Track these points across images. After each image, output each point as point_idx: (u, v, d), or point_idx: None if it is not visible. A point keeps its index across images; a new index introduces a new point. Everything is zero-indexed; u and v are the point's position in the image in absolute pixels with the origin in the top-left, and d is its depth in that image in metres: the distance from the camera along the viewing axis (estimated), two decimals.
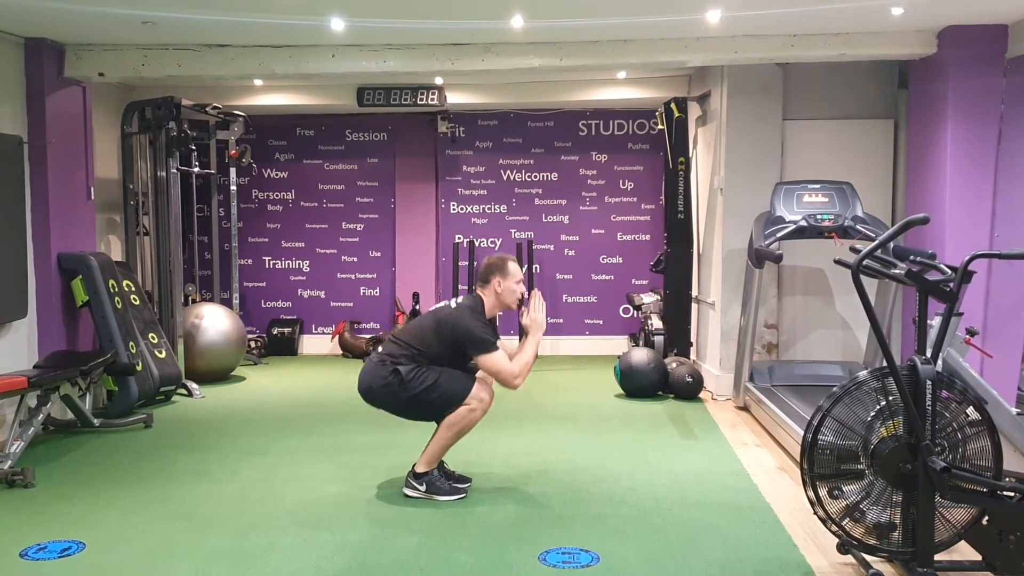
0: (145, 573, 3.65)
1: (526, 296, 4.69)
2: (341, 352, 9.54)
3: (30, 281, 6.27)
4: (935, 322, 3.63)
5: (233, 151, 8.96)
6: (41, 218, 6.33)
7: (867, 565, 3.49)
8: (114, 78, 6.74)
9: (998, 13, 5.58)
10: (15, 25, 5.98)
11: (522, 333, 4.65)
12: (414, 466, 4.61)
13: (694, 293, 8.02)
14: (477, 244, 9.45)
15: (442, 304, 4.75)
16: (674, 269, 7.94)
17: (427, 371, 4.46)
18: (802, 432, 3.65)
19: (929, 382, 3.38)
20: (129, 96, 8.16)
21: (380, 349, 4.67)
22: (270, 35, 6.19)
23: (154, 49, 6.42)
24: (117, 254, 8.00)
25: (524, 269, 8.96)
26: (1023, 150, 5.80)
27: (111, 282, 6.70)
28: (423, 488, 4.55)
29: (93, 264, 6.57)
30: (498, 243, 9.59)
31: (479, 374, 4.58)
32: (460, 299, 4.70)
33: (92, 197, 6.89)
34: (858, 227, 6.03)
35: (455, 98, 8.72)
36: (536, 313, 4.57)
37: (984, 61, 5.80)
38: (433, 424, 4.63)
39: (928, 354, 3.51)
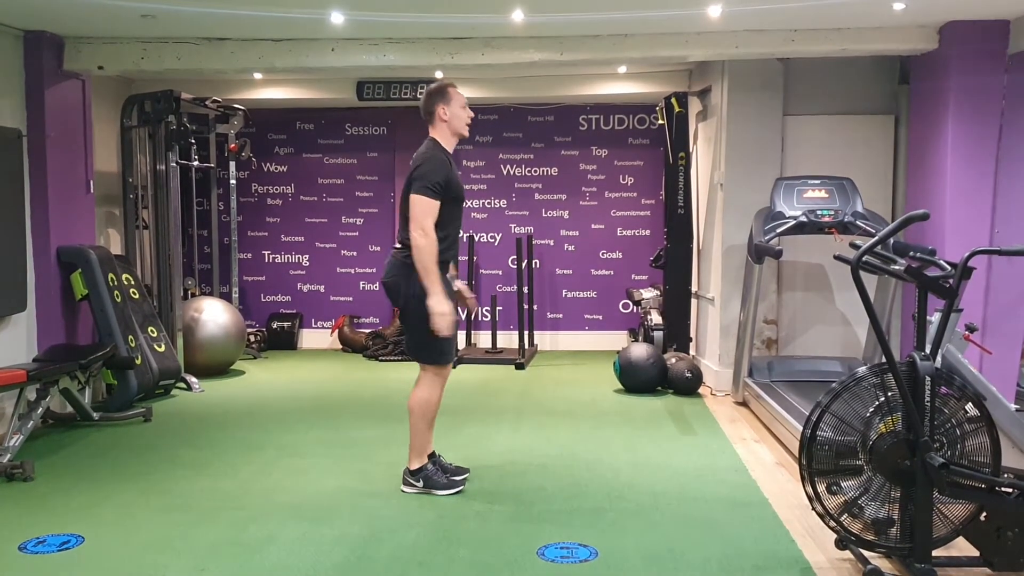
0: (144, 566, 3.65)
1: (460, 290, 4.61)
2: (341, 346, 9.54)
3: (29, 275, 6.27)
4: (934, 318, 3.62)
5: (233, 145, 8.95)
6: (40, 212, 6.33)
7: (865, 561, 3.49)
8: (113, 71, 6.72)
9: (1000, 9, 5.57)
10: (14, 18, 5.97)
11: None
12: (407, 464, 4.61)
13: (694, 288, 8.01)
14: (477, 239, 9.44)
15: None
16: (674, 264, 7.94)
17: (423, 309, 4.33)
18: (801, 428, 3.65)
19: (928, 378, 3.38)
20: (128, 89, 8.15)
21: (398, 241, 4.53)
22: (270, 29, 6.18)
23: (153, 42, 6.41)
24: (116, 248, 8.00)
25: (524, 264, 9.03)
26: (1023, 146, 5.80)
27: (110, 276, 6.69)
28: (420, 484, 4.55)
29: (92, 258, 6.56)
30: (498, 238, 9.58)
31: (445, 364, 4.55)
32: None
33: (91, 190, 6.89)
34: (858, 223, 6.02)
35: None
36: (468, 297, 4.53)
37: (985, 57, 5.79)
38: None
39: (927, 350, 3.51)
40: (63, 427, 6.07)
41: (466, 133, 4.63)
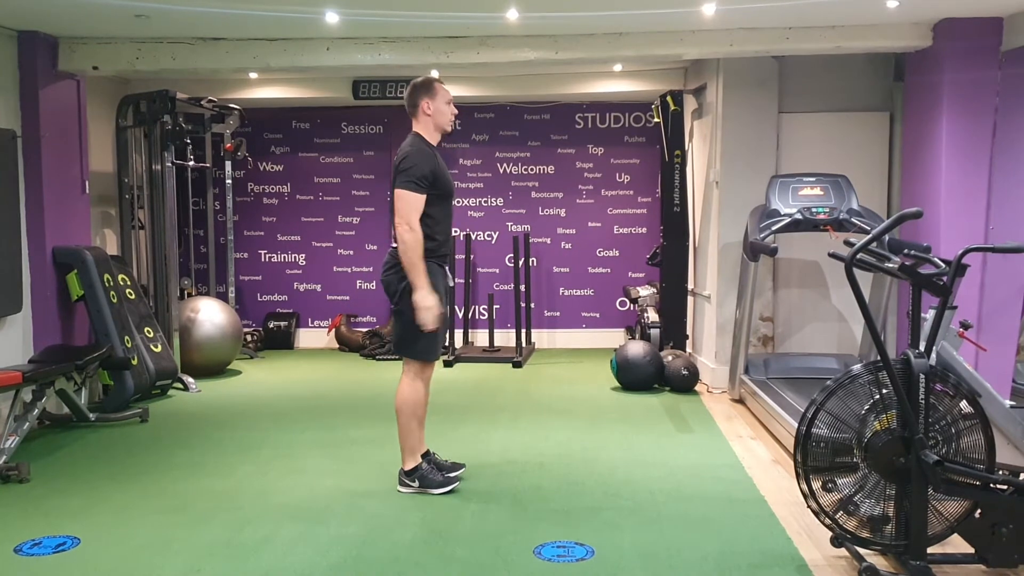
0: (140, 568, 3.65)
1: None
2: (338, 346, 9.54)
3: (25, 276, 6.27)
4: (929, 315, 3.63)
5: (228, 144, 8.94)
6: (35, 212, 6.32)
7: (860, 558, 3.50)
8: (108, 71, 6.71)
9: (993, 6, 5.58)
10: (8, 18, 5.96)
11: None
12: (402, 465, 4.60)
13: (690, 286, 8.02)
14: (474, 237, 9.44)
15: None
16: (670, 262, 7.94)
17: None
18: (796, 425, 3.65)
19: (923, 375, 3.38)
20: (124, 89, 8.14)
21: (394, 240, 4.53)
22: (265, 28, 6.18)
23: (148, 42, 6.41)
24: (112, 248, 7.98)
25: (521, 262, 9.03)
26: (1018, 143, 5.80)
27: (106, 276, 6.69)
28: (416, 484, 4.54)
29: (88, 258, 6.56)
30: (495, 236, 9.58)
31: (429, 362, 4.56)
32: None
33: (87, 191, 6.88)
34: (853, 220, 6.03)
35: (451, 90, 8.59)
36: (430, 307, 4.32)
37: (979, 54, 5.79)
38: None
39: (922, 347, 3.52)
40: (59, 428, 6.07)
41: (449, 128, 4.62)
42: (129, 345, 6.69)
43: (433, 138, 4.54)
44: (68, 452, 5.51)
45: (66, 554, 3.80)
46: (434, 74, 7.75)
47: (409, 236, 4.28)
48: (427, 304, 4.29)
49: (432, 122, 4.52)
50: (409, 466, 4.56)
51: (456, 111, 4.66)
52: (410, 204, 4.30)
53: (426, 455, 4.67)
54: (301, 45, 6.42)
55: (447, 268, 4.63)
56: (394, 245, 4.50)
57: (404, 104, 4.63)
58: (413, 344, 4.45)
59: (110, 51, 6.45)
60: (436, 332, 4.43)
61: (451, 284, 4.63)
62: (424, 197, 4.34)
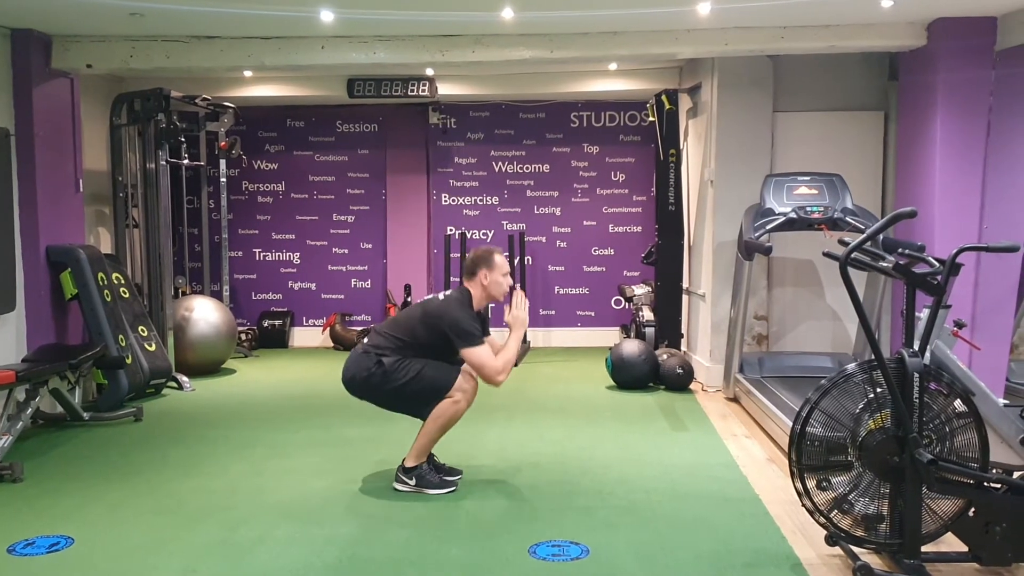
0: (134, 567, 3.64)
1: (512, 289, 4.70)
2: (332, 344, 9.53)
3: (18, 274, 6.25)
4: (923, 314, 3.63)
5: (223, 143, 8.92)
6: (29, 211, 6.31)
7: (855, 557, 3.50)
8: (102, 70, 6.69)
9: (987, 6, 5.59)
10: (1, 16, 5.95)
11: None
12: (403, 460, 4.60)
13: (685, 285, 8.03)
14: (469, 236, 9.43)
15: (431, 296, 4.76)
16: (665, 261, 7.95)
17: (411, 362, 4.46)
18: (791, 424, 3.66)
19: (917, 374, 3.39)
20: (118, 88, 8.12)
21: (366, 340, 4.67)
22: (259, 27, 6.16)
23: (142, 41, 6.39)
24: (106, 247, 7.97)
25: (516, 261, 9.02)
26: (1012, 142, 5.82)
27: (100, 275, 6.67)
28: (413, 482, 4.55)
29: (82, 257, 6.54)
30: (490, 235, 9.58)
31: (464, 365, 4.59)
32: (448, 292, 4.71)
33: (81, 189, 6.86)
34: (848, 219, 6.04)
35: (446, 89, 8.70)
36: (518, 311, 4.56)
37: (973, 53, 5.80)
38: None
39: (916, 346, 3.53)
40: (53, 427, 6.05)
41: (501, 300, 4.74)
42: (123, 344, 6.68)
43: (478, 303, 4.62)
44: (62, 451, 5.50)
45: (60, 554, 3.79)
46: (428, 71, 7.75)
47: (504, 376, 4.45)
48: (525, 317, 4.56)
49: (485, 292, 4.62)
50: (411, 463, 4.57)
51: (511, 283, 4.74)
52: (484, 361, 4.41)
53: (428, 456, 4.67)
54: (296, 43, 6.41)
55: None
56: (364, 343, 4.64)
57: (463, 266, 4.77)
58: (422, 397, 4.50)
59: (104, 49, 6.43)
60: (428, 369, 4.48)
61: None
62: (485, 341, 4.49)
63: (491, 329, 8.30)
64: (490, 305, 4.79)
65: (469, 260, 4.69)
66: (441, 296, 4.67)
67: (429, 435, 4.54)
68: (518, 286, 4.80)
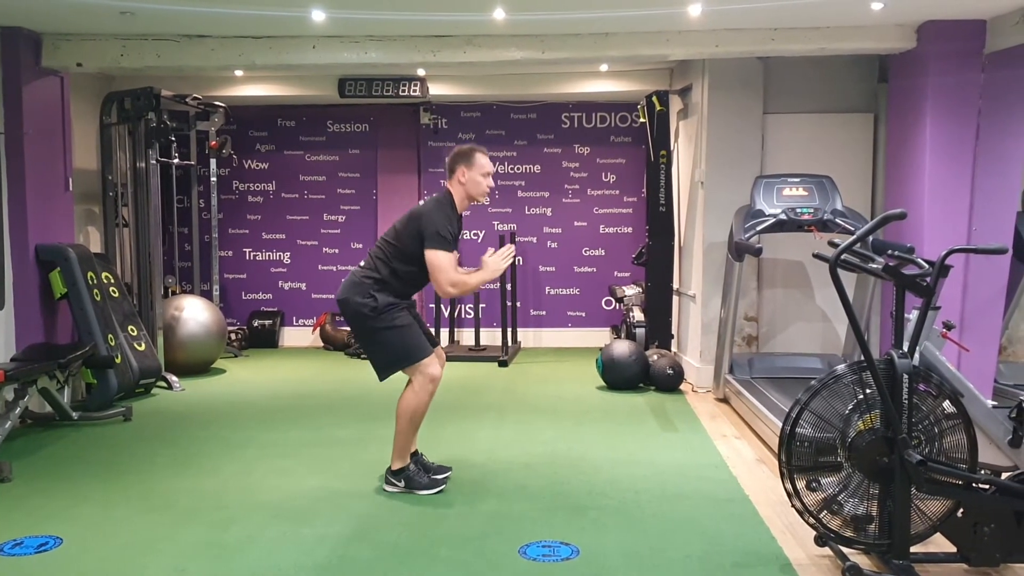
0: (124, 567, 3.63)
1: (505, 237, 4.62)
2: (323, 344, 9.52)
3: (7, 273, 6.22)
4: (912, 316, 3.65)
5: (213, 142, 8.91)
6: (18, 210, 6.28)
7: (844, 557, 3.51)
8: (92, 68, 6.66)
9: (976, 8, 5.61)
10: None
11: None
12: (390, 464, 4.60)
13: (675, 285, 8.04)
14: (460, 236, 9.41)
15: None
16: (656, 262, 7.96)
17: (400, 313, 4.44)
18: (781, 424, 3.67)
19: (906, 376, 3.41)
20: (108, 86, 8.09)
21: (363, 264, 4.60)
22: (250, 26, 6.15)
23: (133, 39, 6.37)
24: (96, 246, 7.94)
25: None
26: (1001, 145, 5.85)
27: (89, 274, 6.65)
28: (402, 484, 4.54)
29: (71, 256, 6.52)
30: (481, 235, 9.58)
31: (438, 349, 4.61)
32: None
33: (70, 188, 6.84)
34: (837, 221, 6.07)
35: (437, 89, 8.70)
36: (499, 260, 4.52)
37: (963, 56, 5.83)
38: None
39: (905, 348, 3.54)
40: (42, 427, 6.03)
41: (482, 200, 4.71)
42: (112, 343, 6.66)
43: (461, 204, 4.60)
44: (51, 451, 5.47)
45: (48, 554, 3.77)
46: (420, 72, 7.75)
47: (458, 291, 4.49)
48: (499, 267, 4.51)
49: (464, 190, 4.58)
50: (397, 466, 4.56)
51: (492, 184, 4.70)
52: (443, 266, 4.40)
53: (414, 455, 4.67)
54: (287, 43, 6.40)
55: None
56: (361, 266, 4.58)
57: (447, 165, 4.69)
58: (398, 356, 4.46)
59: (94, 48, 6.41)
60: (412, 331, 4.46)
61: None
62: (455, 251, 4.47)
63: (481, 329, 8.29)
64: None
65: (450, 157, 4.64)
66: (423, 200, 4.62)
67: (402, 433, 4.52)
68: (512, 246, 4.76)
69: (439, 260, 4.39)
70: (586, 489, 4.62)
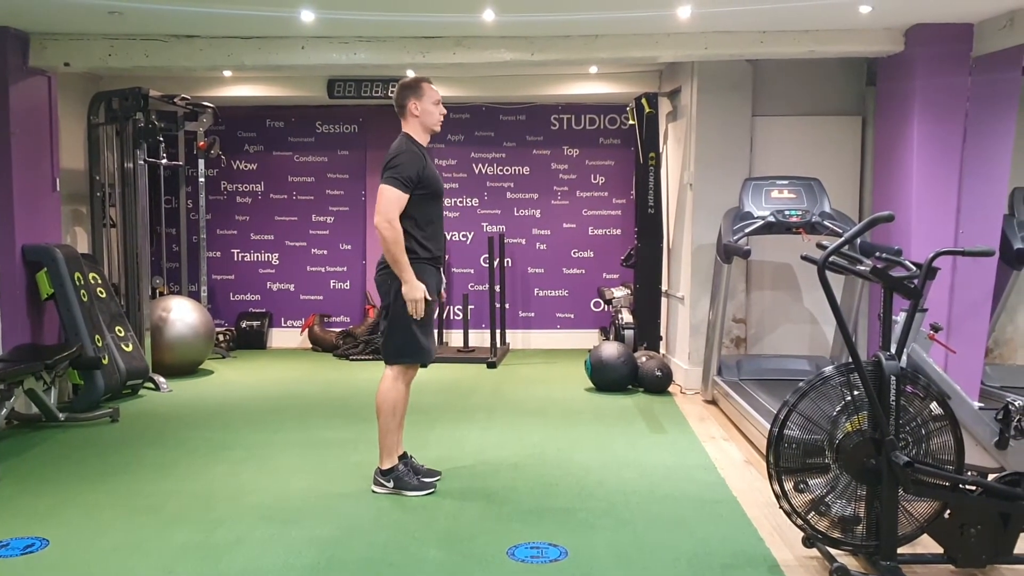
0: (111, 569, 3.62)
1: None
2: (311, 346, 9.49)
3: None
4: (900, 318, 3.67)
5: (202, 142, 8.88)
6: (5, 210, 6.25)
7: (832, 558, 3.52)
8: (80, 68, 6.64)
9: (964, 12, 5.65)
10: None
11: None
12: (379, 464, 4.59)
13: (664, 287, 8.06)
14: (449, 237, 9.42)
15: None
16: (644, 263, 7.98)
17: (427, 309, 4.43)
18: (769, 426, 3.68)
19: (894, 377, 3.42)
20: (96, 86, 8.05)
21: None
22: (239, 26, 6.13)
23: (121, 39, 6.34)
24: (83, 246, 7.89)
25: (496, 263, 9.02)
26: (988, 148, 5.88)
27: (77, 275, 6.62)
28: (390, 484, 4.53)
29: (58, 256, 6.49)
30: (470, 236, 9.58)
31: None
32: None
33: (57, 188, 6.80)
34: (825, 223, 6.09)
35: None
36: (418, 292, 4.33)
37: (950, 60, 5.86)
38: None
39: (893, 350, 3.56)
40: (28, 428, 5.99)
41: (437, 128, 4.63)
42: (100, 344, 6.63)
43: (422, 139, 4.54)
44: (37, 452, 5.44)
45: (35, 556, 3.75)
46: (409, 73, 7.74)
47: (389, 232, 4.30)
48: (414, 296, 4.33)
49: (420, 123, 4.53)
50: (386, 466, 4.56)
51: (444, 111, 4.66)
52: (391, 199, 4.31)
53: (403, 457, 4.66)
54: (276, 43, 6.38)
55: (440, 269, 4.66)
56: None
57: (392, 103, 4.63)
58: (402, 345, 4.46)
59: (82, 47, 6.38)
60: (424, 334, 4.46)
61: (443, 284, 4.65)
62: (407, 196, 4.35)
63: (469, 331, 8.28)
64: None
65: (395, 96, 4.57)
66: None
67: (385, 428, 4.52)
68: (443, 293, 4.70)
69: (389, 196, 4.31)
70: (575, 491, 4.62)
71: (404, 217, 4.38)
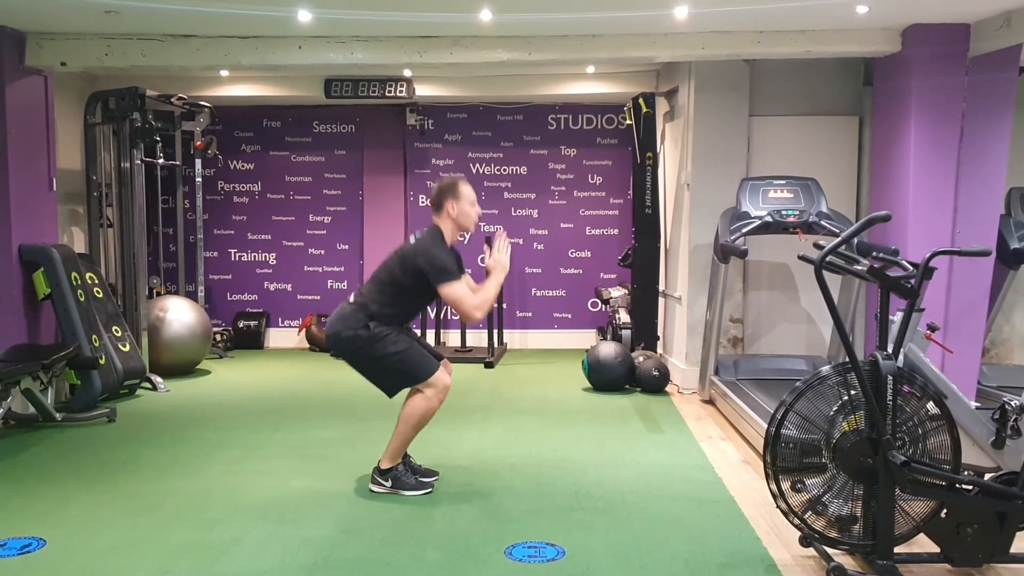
0: (108, 569, 3.61)
1: (492, 238, 4.65)
2: (308, 345, 9.49)
3: None
4: (897, 318, 3.67)
5: (199, 142, 8.87)
6: (1, 210, 6.24)
7: (828, 558, 3.53)
8: (76, 68, 6.63)
9: (961, 12, 5.65)
10: None
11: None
12: (379, 462, 4.59)
13: (661, 287, 8.06)
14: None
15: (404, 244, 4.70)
16: (642, 263, 7.98)
17: (399, 337, 4.43)
18: (766, 425, 3.68)
19: (890, 377, 3.42)
20: (92, 86, 8.04)
21: (352, 298, 4.57)
22: (236, 26, 6.13)
23: (118, 39, 6.33)
24: (80, 246, 7.89)
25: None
26: (984, 148, 5.89)
27: (73, 275, 6.61)
28: (388, 484, 4.54)
29: (55, 256, 6.48)
30: (466, 236, 9.54)
31: (444, 360, 4.60)
32: (418, 233, 4.64)
33: (54, 188, 6.79)
34: (822, 223, 6.09)
35: (424, 90, 8.69)
36: (500, 254, 4.54)
37: (947, 60, 5.87)
38: (397, 418, 4.60)
39: (890, 349, 3.56)
40: (25, 428, 5.98)
41: (472, 229, 4.71)
42: (96, 344, 6.62)
43: (451, 236, 4.57)
44: (34, 452, 5.43)
45: (32, 556, 3.75)
46: (406, 72, 7.73)
47: (485, 310, 4.45)
48: (506, 263, 4.54)
49: (455, 224, 4.57)
50: (386, 465, 4.56)
51: (480, 212, 4.71)
52: (460, 297, 4.40)
53: (403, 457, 4.65)
54: (273, 43, 6.38)
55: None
56: (351, 300, 4.55)
57: (430, 200, 4.68)
58: (405, 374, 4.47)
59: (79, 47, 6.37)
60: (413, 351, 4.46)
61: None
62: (463, 279, 4.46)
63: (467, 331, 8.26)
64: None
65: (434, 193, 4.62)
66: (412, 239, 4.60)
67: (403, 436, 4.53)
68: (502, 228, 4.76)
69: (456, 292, 4.39)
70: (572, 490, 4.63)
71: (402, 297, 4.48)
